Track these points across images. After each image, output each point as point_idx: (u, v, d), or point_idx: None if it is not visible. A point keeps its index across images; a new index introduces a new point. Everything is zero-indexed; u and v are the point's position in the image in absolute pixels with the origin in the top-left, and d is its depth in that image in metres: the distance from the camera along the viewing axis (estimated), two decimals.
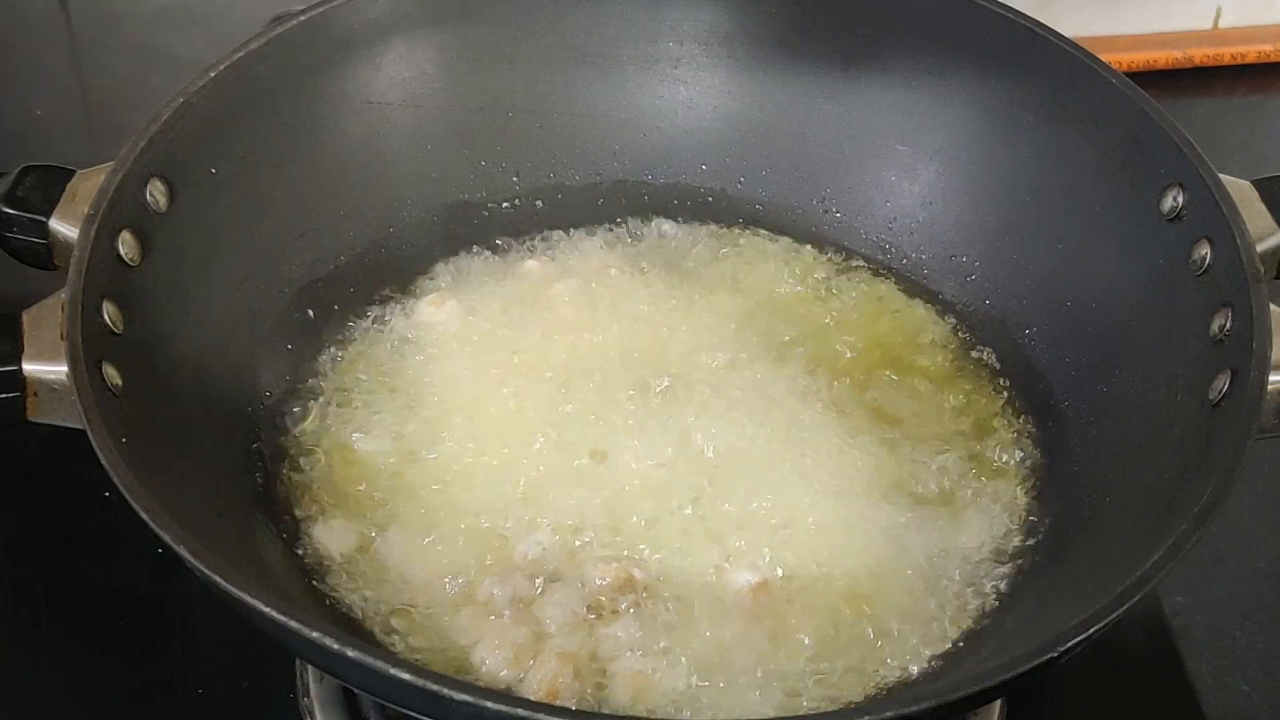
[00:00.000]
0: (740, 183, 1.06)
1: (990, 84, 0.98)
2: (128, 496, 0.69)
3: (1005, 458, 0.92)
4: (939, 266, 1.02)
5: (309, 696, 0.87)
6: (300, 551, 0.86)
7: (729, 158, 1.07)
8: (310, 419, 0.93)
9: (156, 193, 0.86)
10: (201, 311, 0.88)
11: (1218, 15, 1.39)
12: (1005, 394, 0.96)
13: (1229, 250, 0.82)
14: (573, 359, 0.95)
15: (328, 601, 0.84)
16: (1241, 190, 0.87)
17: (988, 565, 0.87)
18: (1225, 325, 0.81)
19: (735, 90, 1.06)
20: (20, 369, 0.78)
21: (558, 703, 0.77)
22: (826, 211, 1.05)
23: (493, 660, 0.80)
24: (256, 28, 0.94)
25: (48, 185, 0.86)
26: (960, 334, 0.99)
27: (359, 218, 1.00)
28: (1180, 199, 0.87)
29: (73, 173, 0.87)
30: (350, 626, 0.82)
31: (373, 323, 0.98)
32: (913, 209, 1.03)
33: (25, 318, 0.80)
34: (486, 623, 0.82)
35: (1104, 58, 0.93)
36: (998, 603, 0.85)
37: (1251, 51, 1.38)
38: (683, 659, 0.81)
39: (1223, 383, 0.79)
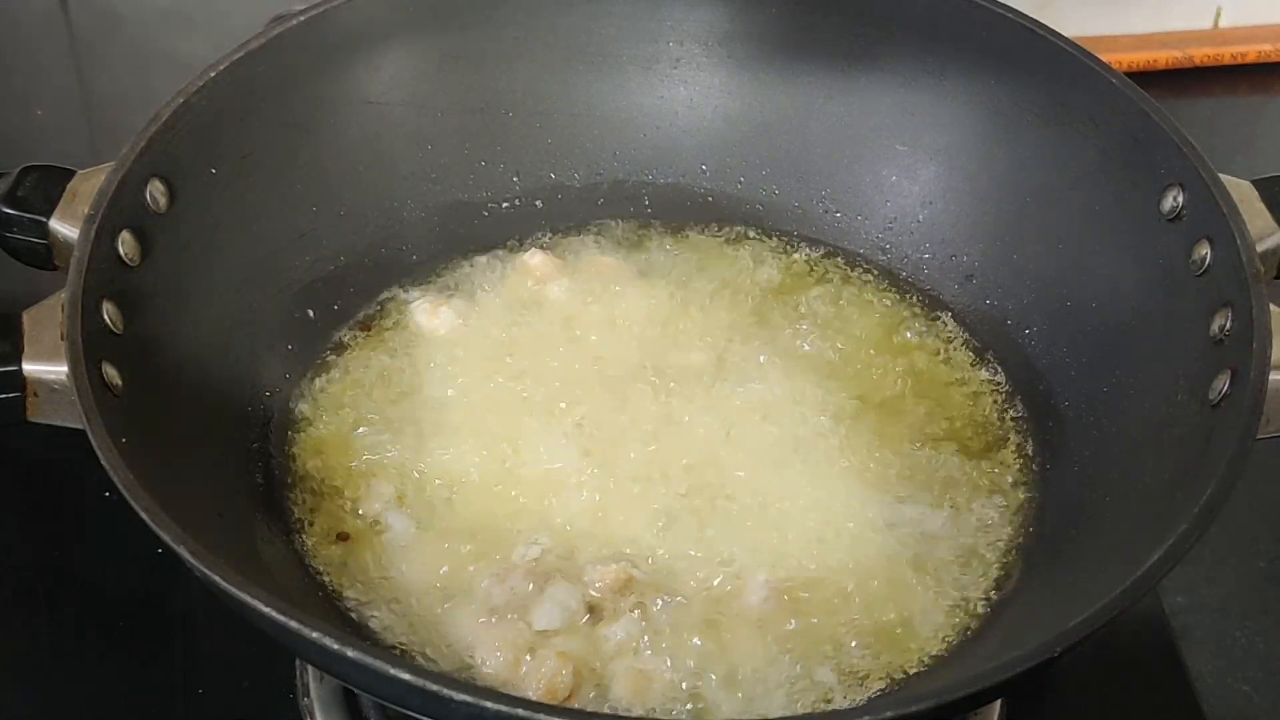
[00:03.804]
0: (740, 183, 1.07)
1: (990, 84, 0.98)
2: (128, 496, 0.69)
3: (1005, 458, 0.92)
4: (939, 267, 1.02)
5: (309, 696, 0.88)
6: (300, 551, 0.86)
7: (729, 158, 1.07)
8: (310, 419, 0.93)
9: (156, 193, 0.86)
10: (201, 311, 0.88)
11: (1218, 15, 1.39)
12: (1005, 394, 0.96)
13: (1229, 250, 0.82)
14: (573, 359, 0.95)
15: (327, 601, 0.84)
16: (1241, 190, 0.86)
17: (988, 565, 0.87)
18: (1225, 325, 0.81)
19: (735, 90, 1.06)
20: (20, 369, 0.78)
21: (557, 703, 0.77)
22: (827, 211, 1.05)
23: (492, 660, 0.80)
24: (256, 28, 0.93)
25: (48, 185, 0.86)
26: (960, 334, 0.99)
27: (359, 218, 1.00)
28: (1180, 199, 0.87)
29: (73, 173, 0.87)
30: (350, 626, 0.82)
31: (373, 323, 0.98)
32: (913, 209, 1.03)
33: (25, 318, 0.80)
34: (486, 622, 0.81)
35: (1104, 58, 0.93)
36: (998, 602, 0.85)
37: (1251, 51, 1.38)
38: (682, 659, 0.81)
39: (1223, 383, 0.79)
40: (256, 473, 0.89)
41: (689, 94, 1.06)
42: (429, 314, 0.98)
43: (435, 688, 0.63)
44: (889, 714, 0.63)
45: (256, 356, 0.92)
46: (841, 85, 1.04)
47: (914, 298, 1.02)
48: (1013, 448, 0.93)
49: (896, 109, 1.03)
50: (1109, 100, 0.92)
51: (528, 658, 0.80)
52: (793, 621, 0.82)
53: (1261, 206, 0.87)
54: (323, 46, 0.96)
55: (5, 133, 1.30)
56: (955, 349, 0.99)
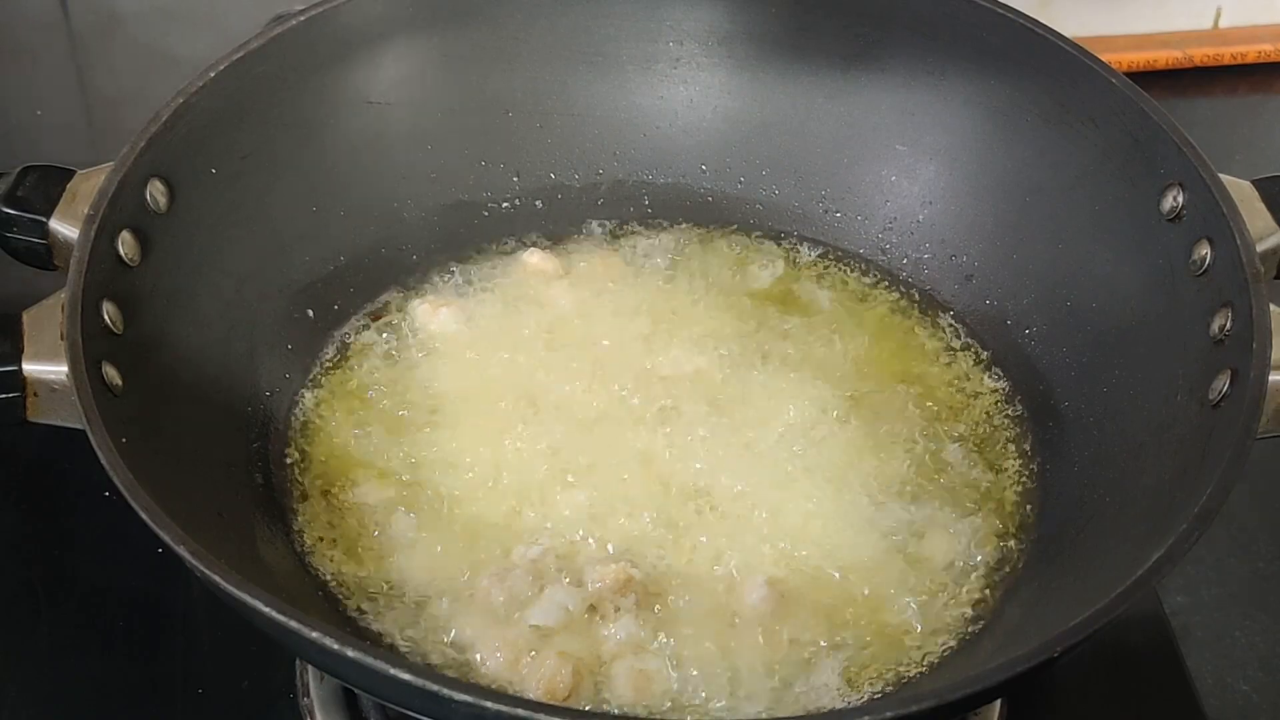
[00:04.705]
0: (740, 183, 1.07)
1: (990, 84, 0.98)
2: (128, 496, 0.69)
3: (1005, 458, 0.92)
4: (939, 267, 1.02)
5: (309, 696, 0.88)
6: (300, 551, 0.86)
7: (729, 158, 1.07)
8: (310, 419, 0.93)
9: (156, 193, 0.86)
10: (201, 311, 0.88)
11: (1218, 15, 1.39)
12: (1005, 394, 0.96)
13: (1229, 250, 0.82)
14: (573, 359, 0.95)
15: (328, 601, 0.84)
16: (1241, 190, 0.86)
17: (988, 565, 0.87)
18: (1225, 325, 0.81)
19: (735, 90, 1.06)
20: (20, 369, 0.78)
21: (557, 702, 0.77)
22: (826, 212, 1.05)
23: (492, 660, 0.80)
24: (256, 28, 0.93)
25: (48, 185, 0.86)
26: (960, 334, 0.99)
27: (359, 218, 1.00)
28: (1180, 199, 0.87)
29: (73, 173, 0.87)
30: (350, 626, 0.82)
31: (373, 323, 0.98)
32: (913, 209, 1.03)
33: (25, 318, 0.80)
34: (486, 622, 0.82)
35: (1104, 58, 0.93)
36: (997, 603, 0.85)
37: (1251, 51, 1.38)
38: (682, 659, 0.81)
39: (1223, 383, 0.79)
40: (256, 473, 0.89)
41: (689, 94, 1.06)
42: (429, 314, 0.98)
43: (435, 688, 0.63)
44: (889, 714, 0.63)
45: (256, 357, 0.92)
46: (841, 85, 1.04)
47: (914, 298, 1.02)
48: (1013, 448, 0.93)
49: (896, 109, 1.03)
50: (1109, 100, 0.92)
51: (528, 658, 0.80)
52: (791, 621, 0.82)
53: (1261, 206, 0.87)
54: (323, 46, 0.96)
55: (5, 133, 1.30)
56: (955, 349, 0.99)
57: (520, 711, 0.62)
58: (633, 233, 1.05)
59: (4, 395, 0.78)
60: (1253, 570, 0.99)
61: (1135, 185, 0.90)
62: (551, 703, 0.77)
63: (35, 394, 0.78)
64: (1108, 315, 0.92)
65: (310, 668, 0.88)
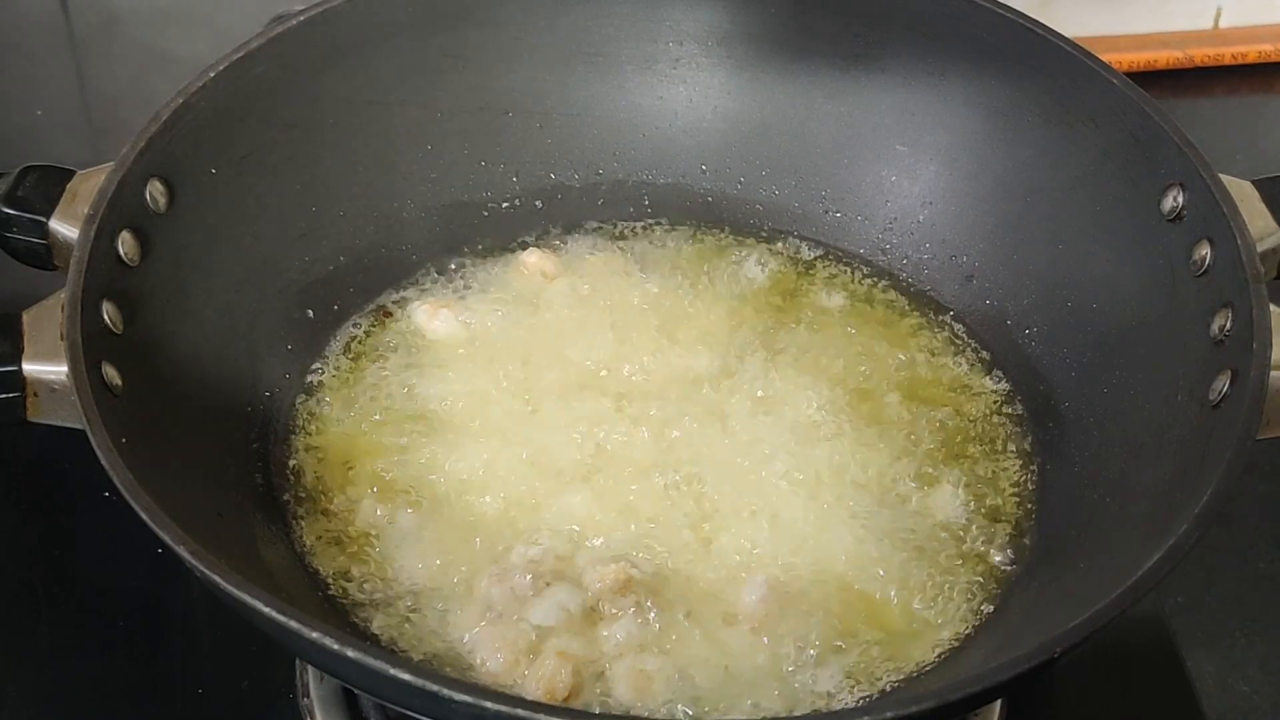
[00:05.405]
0: (740, 183, 1.06)
1: (990, 84, 0.98)
2: (128, 496, 0.69)
3: (1005, 458, 0.92)
4: (939, 267, 1.02)
5: (309, 696, 0.88)
6: (300, 551, 0.86)
7: (729, 158, 1.07)
8: (310, 419, 0.93)
9: (156, 193, 0.86)
10: (201, 311, 0.88)
11: (1218, 15, 1.39)
12: (1005, 394, 0.96)
13: (1229, 250, 0.82)
14: (572, 360, 0.95)
15: (327, 601, 0.84)
16: (1242, 190, 0.86)
17: (988, 565, 0.87)
18: (1225, 325, 0.81)
19: (735, 90, 1.06)
20: (20, 369, 0.78)
21: (557, 703, 0.77)
22: (827, 212, 1.05)
23: (492, 660, 0.80)
24: (256, 28, 0.94)
25: (48, 185, 0.86)
26: (960, 335, 0.99)
27: (359, 218, 1.00)
28: (1180, 199, 0.87)
29: (73, 173, 0.87)
30: (350, 626, 0.82)
31: (373, 323, 0.98)
32: (913, 209, 1.03)
33: (25, 318, 0.80)
34: (485, 622, 0.82)
35: (1104, 58, 0.93)
36: (998, 603, 0.85)
37: (1251, 51, 1.38)
38: (682, 659, 0.81)
39: (1223, 383, 0.79)
40: (256, 473, 0.89)
41: (688, 94, 1.06)
42: (429, 315, 0.98)
43: (435, 688, 0.63)
44: (889, 714, 0.63)
45: (256, 357, 0.92)
46: (841, 85, 1.04)
47: (914, 298, 1.02)
48: (1013, 448, 0.93)
49: (896, 109, 1.03)
50: (1109, 100, 0.92)
51: (528, 658, 0.80)
52: (791, 621, 0.82)
53: (1262, 206, 0.87)
54: (323, 46, 0.96)
55: (5, 133, 1.30)
56: (955, 350, 0.99)
57: (520, 711, 0.62)
58: (632, 233, 1.05)
59: (4, 395, 0.78)
60: (1253, 571, 0.99)
61: (1135, 185, 0.90)
62: (551, 703, 0.77)
63: (35, 394, 0.79)
64: (1108, 315, 0.92)
65: (310, 668, 0.88)
